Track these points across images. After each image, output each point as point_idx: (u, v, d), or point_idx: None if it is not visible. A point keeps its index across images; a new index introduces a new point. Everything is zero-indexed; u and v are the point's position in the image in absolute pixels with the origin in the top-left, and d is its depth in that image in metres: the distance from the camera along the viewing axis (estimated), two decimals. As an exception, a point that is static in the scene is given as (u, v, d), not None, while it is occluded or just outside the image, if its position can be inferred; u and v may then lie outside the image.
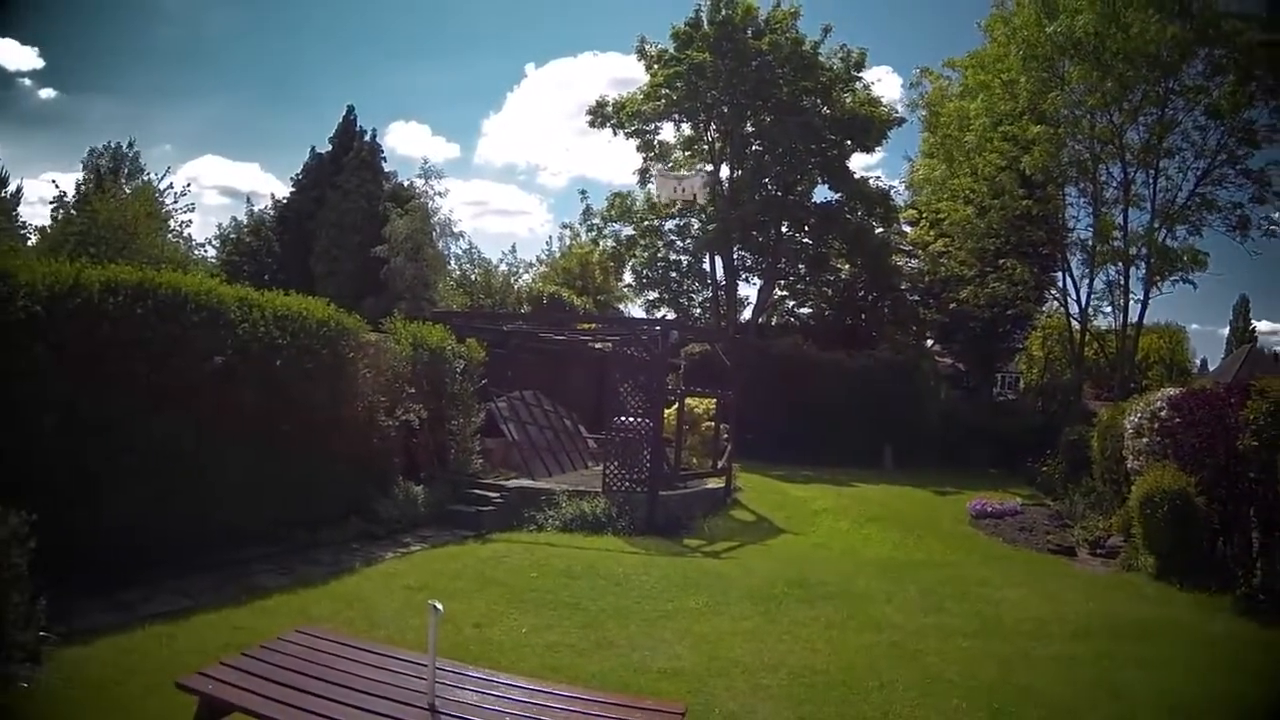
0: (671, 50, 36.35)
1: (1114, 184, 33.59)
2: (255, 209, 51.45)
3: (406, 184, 45.44)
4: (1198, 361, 72.64)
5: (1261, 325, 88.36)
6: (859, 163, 49.67)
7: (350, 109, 49.10)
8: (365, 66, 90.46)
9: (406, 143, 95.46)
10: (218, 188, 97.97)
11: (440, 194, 42.95)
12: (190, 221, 29.66)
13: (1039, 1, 31.98)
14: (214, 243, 49.11)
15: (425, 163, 53.56)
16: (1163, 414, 16.45)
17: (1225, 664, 9.68)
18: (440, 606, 4.91)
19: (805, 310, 41.48)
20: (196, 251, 42.11)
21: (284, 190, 51.29)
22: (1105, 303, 35.34)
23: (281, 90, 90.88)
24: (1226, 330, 79.20)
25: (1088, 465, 22.42)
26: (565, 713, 4.87)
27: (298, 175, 49.39)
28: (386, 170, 48.22)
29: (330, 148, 48.28)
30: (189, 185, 51.37)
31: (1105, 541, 17.67)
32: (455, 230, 43.73)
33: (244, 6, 78.61)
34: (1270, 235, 32.75)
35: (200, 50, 75.88)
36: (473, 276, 42.36)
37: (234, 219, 52.41)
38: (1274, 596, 12.78)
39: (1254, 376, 18.32)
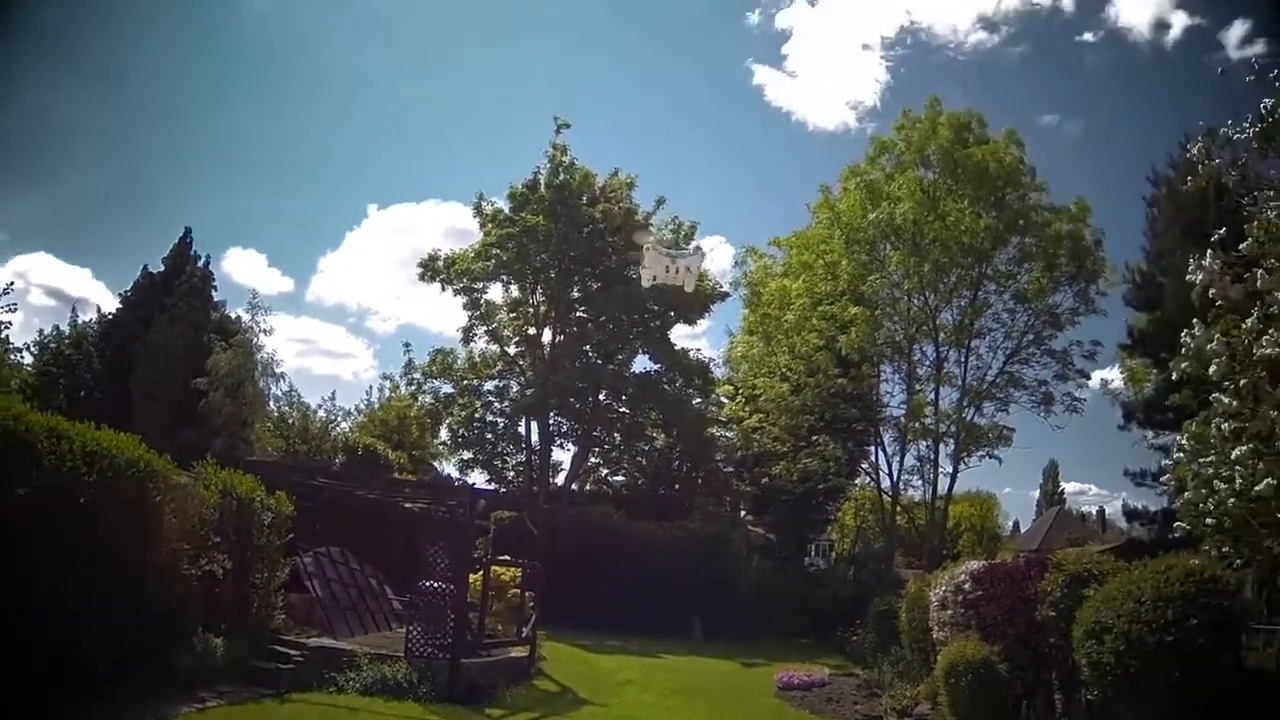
0: (507, 211, 36.93)
1: (927, 363, 35.51)
2: (80, 319, 49.36)
3: (234, 316, 44.41)
4: (1010, 524, 75.61)
5: (1070, 486, 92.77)
6: (682, 333, 50.70)
7: (187, 231, 47.81)
8: (212, 184, 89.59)
9: (242, 270, 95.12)
10: (45, 287, 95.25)
11: (266, 331, 42.24)
12: (10, 323, 28.42)
13: (864, 188, 34.03)
14: (32, 348, 46.61)
15: (254, 296, 52.27)
16: (966, 587, 17.17)
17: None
18: None
19: (619, 479, 41.69)
20: (13, 356, 40.23)
21: (112, 303, 49.47)
22: (916, 476, 36.86)
23: (124, 197, 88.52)
24: (1037, 493, 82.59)
25: (896, 635, 22.95)
26: None
27: (127, 292, 47.59)
28: (217, 299, 46.90)
29: (163, 268, 47.04)
30: (12, 283, 49.33)
31: (913, 710, 18.05)
32: (278, 370, 42.75)
33: (101, 94, 76.23)
34: (1072, 410, 34.90)
35: (48, 133, 72.31)
36: (290, 420, 41.53)
37: (56, 327, 50.12)
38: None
39: (1062, 538, 19.33)
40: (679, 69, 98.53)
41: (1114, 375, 33.52)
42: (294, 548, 17.67)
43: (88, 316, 50.01)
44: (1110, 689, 11.00)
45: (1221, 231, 9.31)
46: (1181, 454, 9.24)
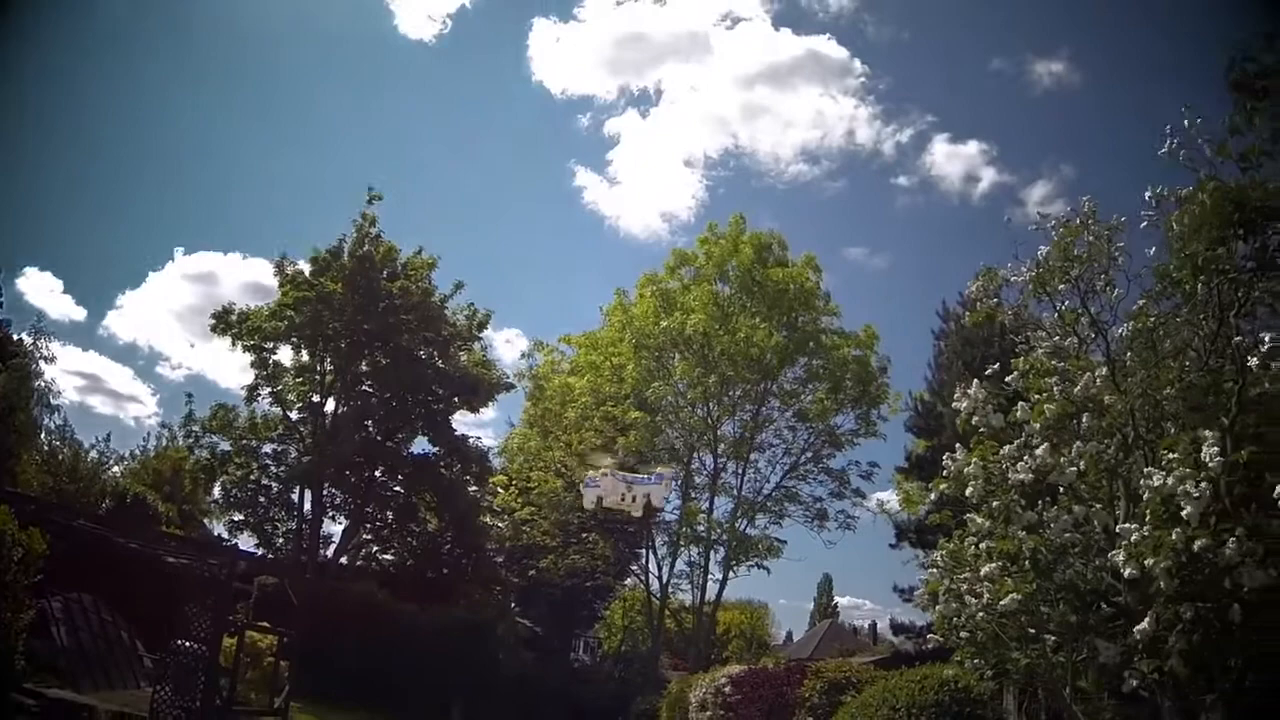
0: (307, 274, 36.34)
1: (705, 472, 36.23)
2: None
3: (16, 338, 42.11)
4: (783, 634, 76.85)
5: (844, 600, 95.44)
6: (467, 420, 50.44)
7: None
8: (11, 197, 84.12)
9: (36, 291, 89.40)
10: None
11: (47, 358, 40.30)
12: None
13: (658, 295, 34.81)
14: None
15: (39, 319, 49.77)
16: (726, 690, 17.60)
17: None
18: None
19: (389, 557, 40.71)
20: None
21: None
22: (686, 580, 37.44)
23: None
24: (811, 605, 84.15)
25: (660, 735, 23.29)
26: None
27: None
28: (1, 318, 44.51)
29: None
30: None
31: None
32: (54, 402, 40.93)
33: None
34: (845, 527, 36.16)
35: None
36: (60, 456, 39.45)
37: None
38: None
39: (833, 649, 19.96)
40: (503, 160, 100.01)
41: (890, 497, 35.05)
42: (42, 590, 16.74)
43: None
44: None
45: (995, 366, 10.06)
46: (935, 570, 9.77)
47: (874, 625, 63.31)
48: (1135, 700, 8.93)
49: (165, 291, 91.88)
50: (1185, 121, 8.90)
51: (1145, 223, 9.38)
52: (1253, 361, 8.05)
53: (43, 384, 39.86)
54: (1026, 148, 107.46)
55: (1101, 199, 9.76)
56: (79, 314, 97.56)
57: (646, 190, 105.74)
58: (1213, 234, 8.45)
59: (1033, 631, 8.91)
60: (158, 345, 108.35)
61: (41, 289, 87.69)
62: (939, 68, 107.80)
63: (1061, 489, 8.90)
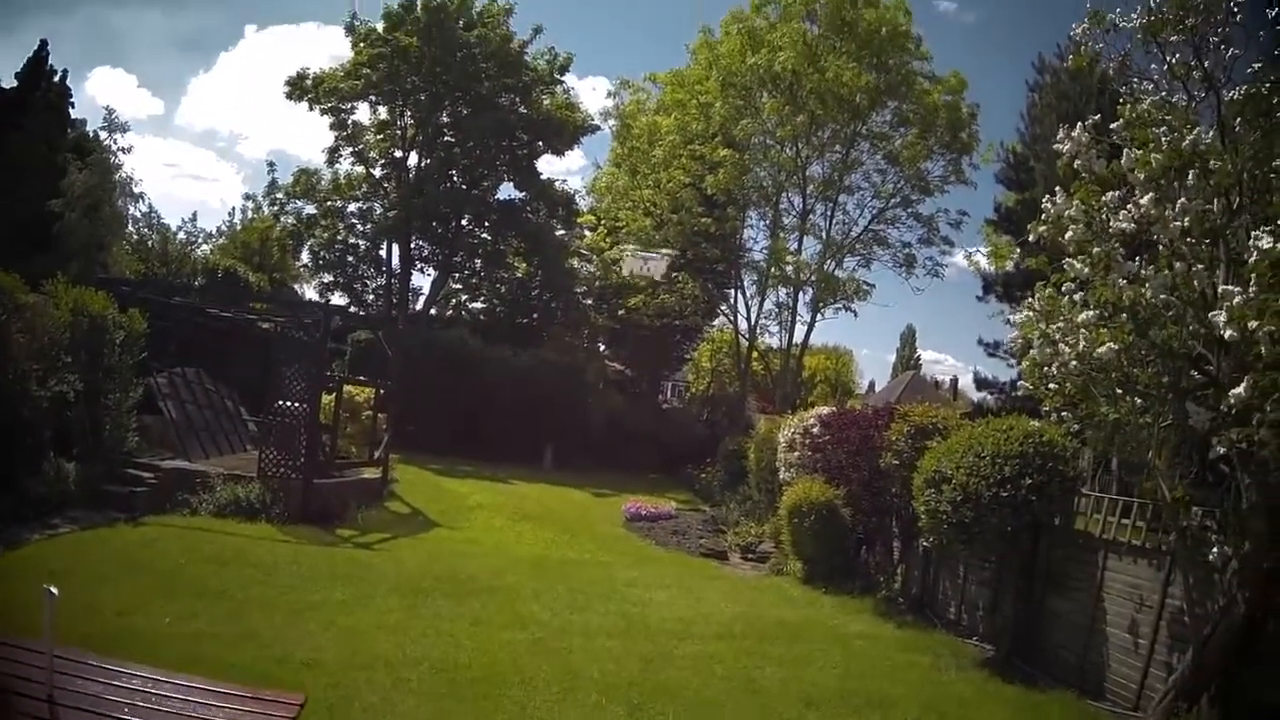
0: (380, 30, 35.66)
1: (793, 212, 35.67)
2: None
3: (92, 135, 42.28)
4: (865, 383, 76.95)
5: (926, 354, 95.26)
6: (550, 164, 50.04)
7: (43, 44, 44.55)
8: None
9: (110, 91, 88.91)
10: None
11: (124, 150, 40.49)
12: None
13: (745, 34, 33.53)
14: None
15: (110, 114, 49.93)
16: (814, 430, 17.71)
17: (862, 660, 10.61)
18: (55, 591, 4.70)
19: (478, 305, 41.25)
20: None
21: None
22: (774, 322, 37.45)
23: None
24: (894, 357, 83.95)
25: (744, 474, 23.68)
26: (184, 702, 4.76)
27: None
28: (77, 119, 44.39)
29: (16, 83, 44.31)
30: None
31: (757, 547, 18.75)
32: (136, 191, 41.25)
33: None
34: (933, 274, 35.72)
35: None
36: (150, 242, 40.20)
37: None
38: (911, 600, 14.16)
39: (915, 400, 20.03)
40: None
41: (977, 250, 34.36)
42: (148, 368, 17.24)
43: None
44: (944, 536, 11.54)
45: (1097, 116, 9.47)
46: (1030, 314, 9.48)
47: (955, 380, 62.71)
48: (1204, 486, 8.81)
49: (239, 71, 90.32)
50: None
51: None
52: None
53: (124, 176, 39.97)
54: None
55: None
56: (156, 107, 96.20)
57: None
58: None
59: (1120, 392, 8.69)
60: (236, 127, 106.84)
61: (116, 87, 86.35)
62: None
63: (1162, 245, 8.50)
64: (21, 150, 38.21)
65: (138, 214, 41.95)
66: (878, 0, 33.46)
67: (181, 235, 41.98)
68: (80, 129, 42.28)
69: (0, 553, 10.79)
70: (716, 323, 43.13)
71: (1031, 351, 9.31)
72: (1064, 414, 9.50)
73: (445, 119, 36.90)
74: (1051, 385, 9.33)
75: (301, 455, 16.54)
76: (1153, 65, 9.37)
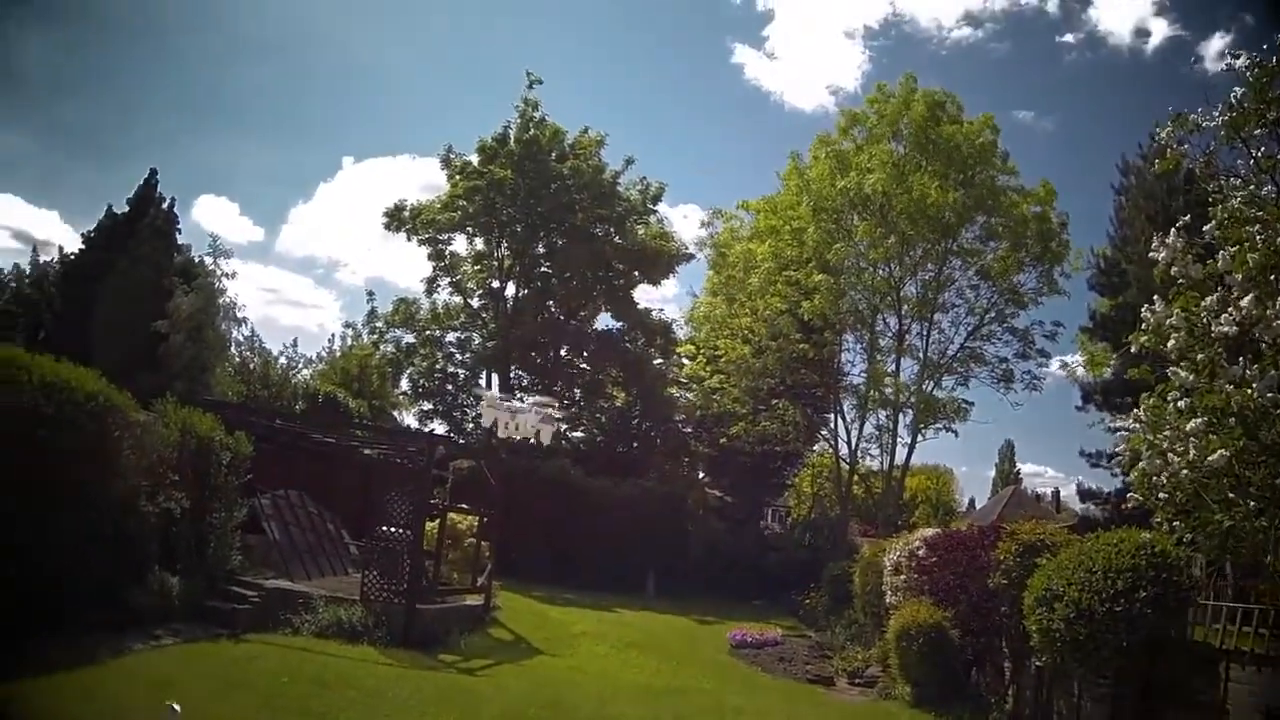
0: (475, 163, 36.74)
1: (889, 334, 35.63)
2: (41, 260, 49.49)
3: (197, 260, 44.00)
4: (965, 501, 75.85)
5: (1026, 468, 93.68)
6: (646, 293, 50.74)
7: (153, 172, 46.76)
8: (184, 130, 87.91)
9: (212, 218, 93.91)
10: (10, 229, 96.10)
11: (228, 275, 41.94)
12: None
13: (833, 158, 34.02)
14: (-9, 287, 46.39)
15: (215, 240, 52.15)
16: (920, 553, 17.44)
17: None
18: (178, 708, 4.73)
19: (578, 434, 41.42)
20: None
21: (76, 245, 48.85)
22: (874, 445, 37.15)
23: (95, 141, 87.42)
24: (993, 472, 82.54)
25: (850, 599, 23.34)
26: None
27: (90, 232, 46.81)
28: (182, 244, 46.33)
29: (127, 209, 46.39)
30: (-25, 224, 49.47)
31: (864, 671, 18.43)
32: (239, 315, 42.63)
33: (71, 35, 73.81)
34: (1031, 388, 35.34)
35: (16, 73, 69.04)
36: (251, 365, 41.26)
37: (16, 265, 50.71)
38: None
39: (1017, 516, 19.64)
40: (657, 41, 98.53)
41: (1073, 358, 33.96)
42: (252, 489, 17.55)
43: (49, 257, 49.69)
44: (1058, 655, 11.23)
45: (1186, 217, 9.41)
46: (1137, 425, 9.32)
47: (1057, 492, 61.69)
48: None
49: (337, 201, 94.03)
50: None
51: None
52: None
53: (227, 300, 41.34)
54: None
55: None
56: (257, 234, 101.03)
57: (808, 64, 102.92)
58: None
59: (1232, 496, 8.45)
60: (334, 254, 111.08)
61: (219, 215, 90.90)
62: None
63: (1265, 344, 8.34)
64: (131, 273, 39.86)
65: (240, 337, 43.15)
66: (960, 118, 33.78)
67: (283, 360, 42.91)
68: (186, 254, 44.33)
69: (105, 660, 10.86)
70: (817, 447, 42.77)
71: (1140, 463, 9.11)
72: (1175, 523, 9.25)
73: (541, 250, 37.72)
74: (1162, 495, 9.09)
75: (405, 580, 16.59)
76: (1239, 160, 9.31)
